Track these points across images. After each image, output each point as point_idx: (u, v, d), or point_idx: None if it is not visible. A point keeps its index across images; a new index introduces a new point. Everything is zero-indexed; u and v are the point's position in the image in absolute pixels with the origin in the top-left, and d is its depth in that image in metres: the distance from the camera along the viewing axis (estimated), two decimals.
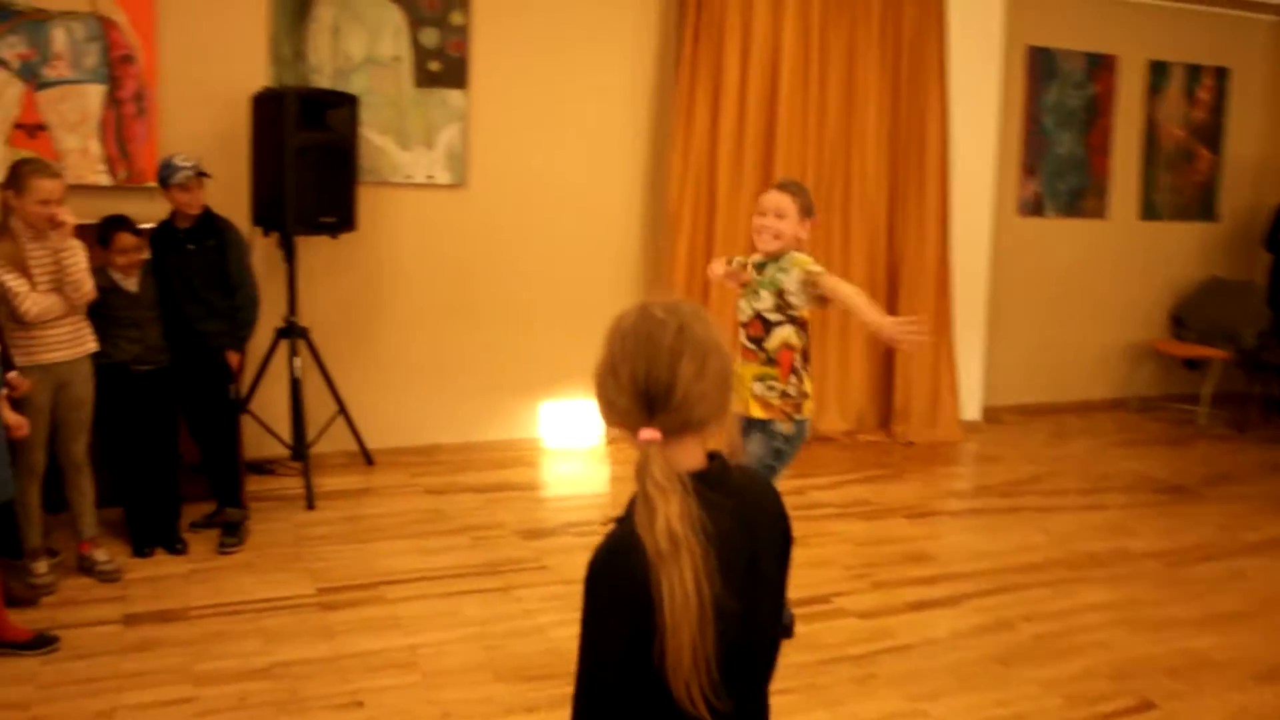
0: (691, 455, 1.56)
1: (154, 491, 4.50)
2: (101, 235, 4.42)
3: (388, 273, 5.81)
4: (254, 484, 5.32)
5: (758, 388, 3.43)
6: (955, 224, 6.78)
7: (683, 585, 1.43)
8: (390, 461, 5.76)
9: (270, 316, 5.38)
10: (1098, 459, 6.39)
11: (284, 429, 5.45)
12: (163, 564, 4.29)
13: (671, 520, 1.45)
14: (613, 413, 1.58)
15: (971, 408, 7.03)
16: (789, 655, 3.55)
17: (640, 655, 1.45)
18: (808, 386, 3.53)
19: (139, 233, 4.50)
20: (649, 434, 1.51)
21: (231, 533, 4.51)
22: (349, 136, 5.24)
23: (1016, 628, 3.90)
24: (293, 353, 5.25)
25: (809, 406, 3.54)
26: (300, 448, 5.27)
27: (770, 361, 3.42)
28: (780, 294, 3.46)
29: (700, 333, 1.56)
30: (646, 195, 6.31)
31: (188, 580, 4.16)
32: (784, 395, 3.44)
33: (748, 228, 6.35)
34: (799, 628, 3.83)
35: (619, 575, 1.48)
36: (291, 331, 5.28)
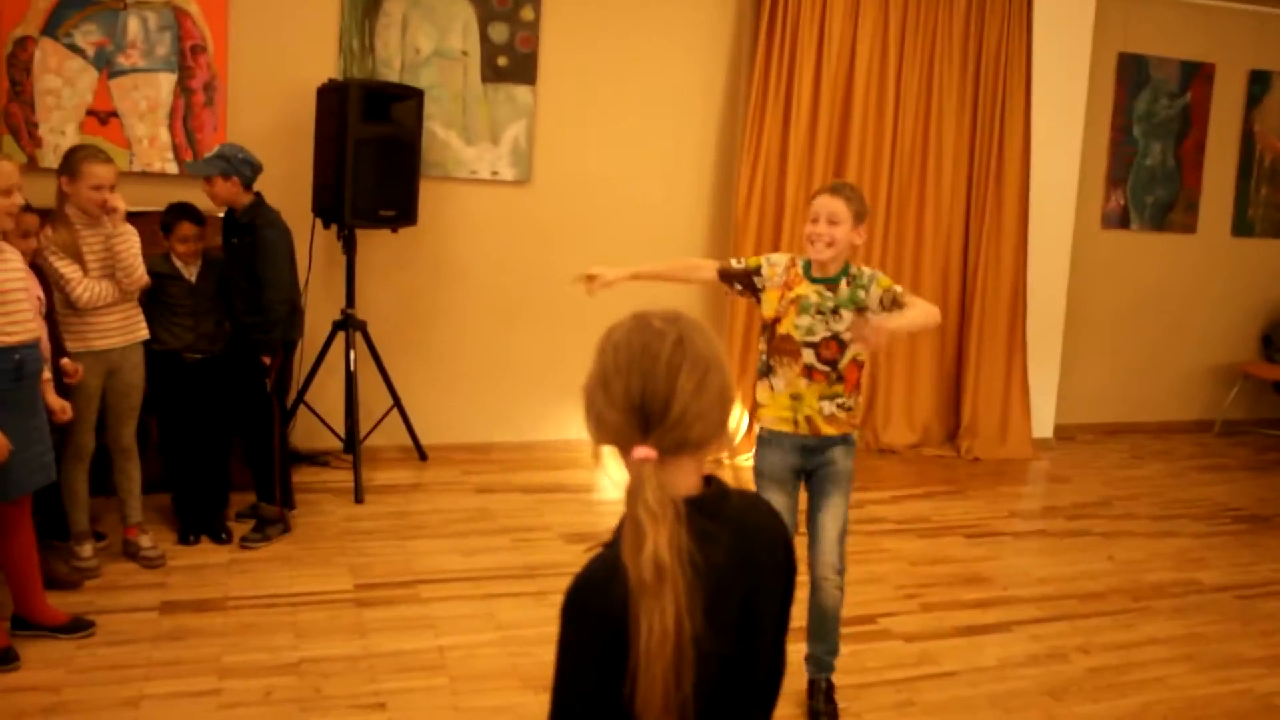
0: (687, 478, 1.46)
1: (202, 479, 4.52)
2: (164, 223, 4.45)
3: (448, 268, 5.79)
4: (306, 475, 5.34)
5: (826, 406, 3.17)
6: (1034, 236, 6.55)
7: (662, 621, 1.33)
8: (444, 458, 5.73)
9: (329, 308, 5.41)
10: (1174, 484, 6.12)
11: (339, 421, 5.47)
12: (206, 553, 4.31)
13: (659, 549, 1.34)
14: (603, 430, 1.47)
15: (1044, 425, 6.79)
16: None
17: (615, 691, 1.35)
18: (759, 395, 3.27)
19: (200, 221, 4.51)
20: (643, 452, 1.41)
21: (258, 529, 4.48)
22: (413, 130, 5.23)
23: (1070, 659, 3.72)
24: (349, 345, 5.25)
25: (760, 415, 3.31)
26: (353, 441, 5.27)
27: (839, 380, 3.18)
28: (859, 312, 3.17)
29: (700, 346, 1.45)
30: (713, 201, 6.20)
31: (228, 570, 4.16)
32: (849, 410, 3.23)
33: None
34: (841, 647, 3.69)
35: (597, 605, 1.39)
36: (348, 324, 5.28)
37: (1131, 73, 6.99)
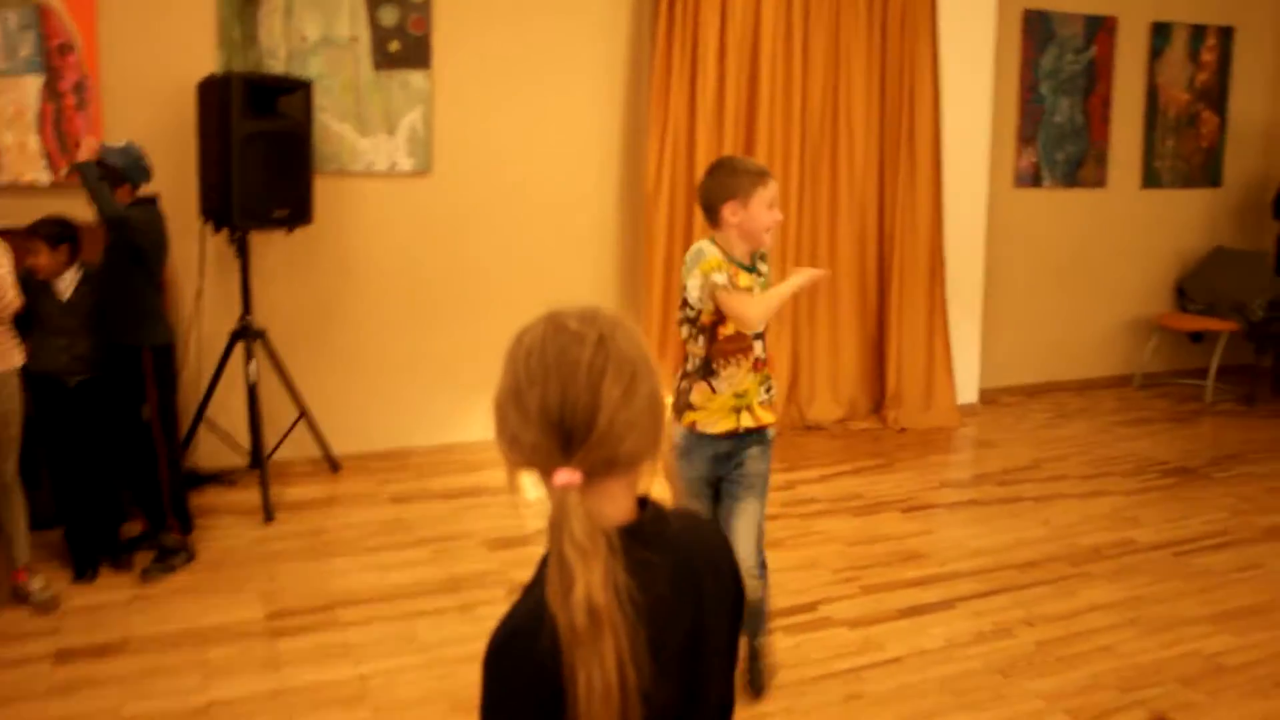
0: (619, 502, 1.28)
1: (93, 509, 4.23)
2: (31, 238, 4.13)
3: (350, 268, 5.53)
4: (212, 497, 5.06)
5: (762, 393, 3.03)
6: (949, 198, 6.48)
7: (602, 674, 1.15)
8: (358, 467, 5.48)
9: (225, 318, 5.13)
10: (1100, 441, 6.11)
11: (244, 437, 5.19)
12: (105, 590, 4.02)
13: (592, 591, 1.16)
14: (518, 451, 1.28)
15: (968, 390, 6.74)
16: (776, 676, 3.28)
17: None
18: (695, 398, 3.01)
19: (55, 240, 4.14)
20: (567, 476, 1.22)
21: (159, 560, 4.19)
22: (303, 124, 4.95)
23: (1016, 633, 3.63)
24: (248, 356, 4.97)
25: (691, 420, 3.04)
26: (258, 457, 5.00)
27: (766, 363, 3.04)
28: (682, 290, 3.02)
29: (625, 346, 1.27)
30: (622, 178, 6.01)
31: (128, 608, 3.88)
32: (673, 391, 3.04)
33: None
34: (782, 640, 3.56)
35: (522, 660, 1.21)
36: (247, 333, 5.00)
37: (1037, 29, 6.95)
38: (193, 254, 5.08)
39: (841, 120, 6.18)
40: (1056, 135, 7.12)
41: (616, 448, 1.23)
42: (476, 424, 5.76)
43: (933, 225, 6.39)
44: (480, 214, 5.71)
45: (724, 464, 3.03)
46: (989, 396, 6.96)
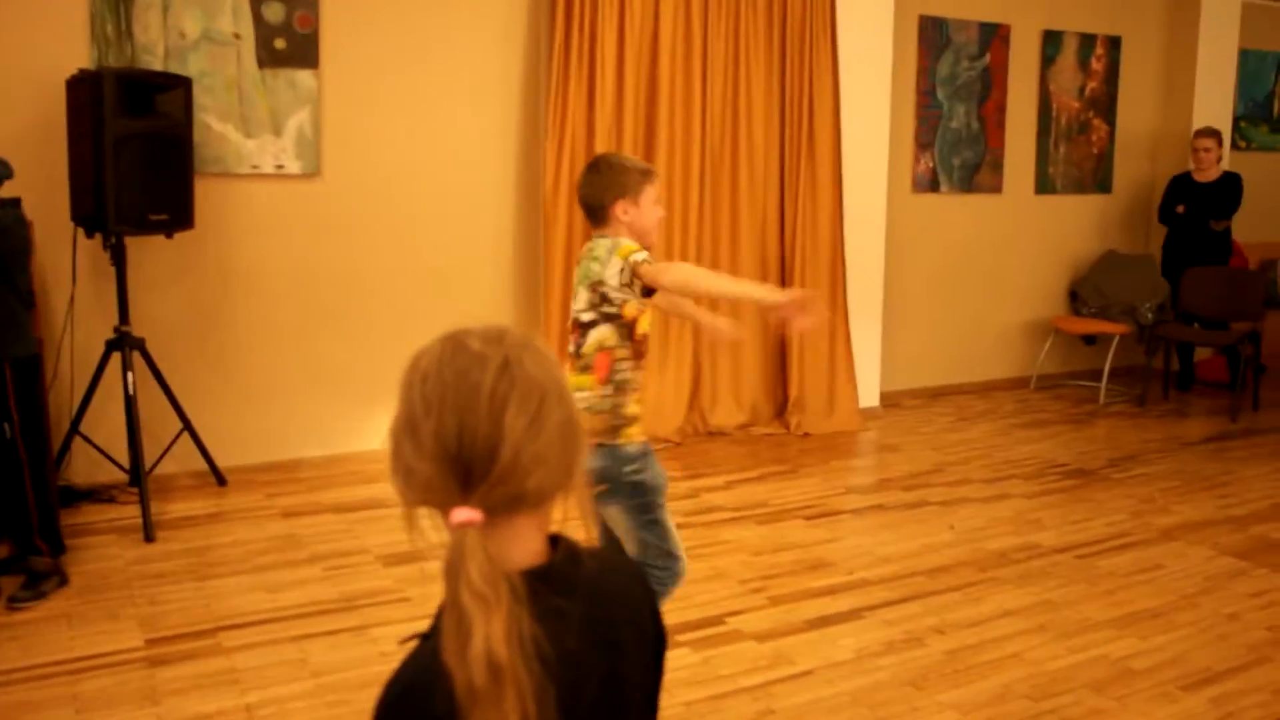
0: (526, 543, 1.16)
1: None
2: None
3: (235, 274, 5.28)
4: (89, 514, 4.79)
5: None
6: (849, 203, 6.48)
7: None
8: (246, 480, 5.24)
9: (100, 327, 4.85)
10: (1001, 443, 6.16)
11: (122, 451, 4.91)
12: None
13: (493, 644, 1.03)
14: (412, 486, 1.14)
15: (870, 394, 6.75)
16: (677, 693, 3.18)
17: None
18: (631, 408, 2.81)
19: None
20: (465, 515, 1.09)
21: (29, 585, 3.91)
22: (182, 123, 4.70)
23: (927, 642, 3.58)
24: (125, 367, 4.70)
25: (634, 433, 2.81)
26: (138, 473, 4.73)
27: (585, 369, 2.77)
28: (594, 287, 2.77)
29: (533, 370, 1.14)
30: (521, 181, 5.87)
31: None
32: (601, 413, 2.79)
33: None
34: (690, 656, 3.46)
35: (416, 718, 1.08)
36: (124, 342, 4.73)
37: (933, 35, 7.00)
38: (64, 260, 4.79)
39: (742, 124, 6.13)
40: (953, 141, 7.19)
41: (522, 483, 1.11)
42: (370, 434, 5.55)
43: (833, 229, 6.38)
44: (373, 218, 5.51)
45: None
46: (891, 400, 6.98)
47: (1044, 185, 7.62)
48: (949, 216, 7.27)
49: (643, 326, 2.83)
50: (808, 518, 4.84)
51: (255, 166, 5.21)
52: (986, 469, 5.64)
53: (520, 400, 1.11)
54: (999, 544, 4.52)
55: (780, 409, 6.49)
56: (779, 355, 6.47)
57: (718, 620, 3.74)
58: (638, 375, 2.84)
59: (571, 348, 2.84)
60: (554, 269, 5.72)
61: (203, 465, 5.14)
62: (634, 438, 2.83)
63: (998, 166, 7.39)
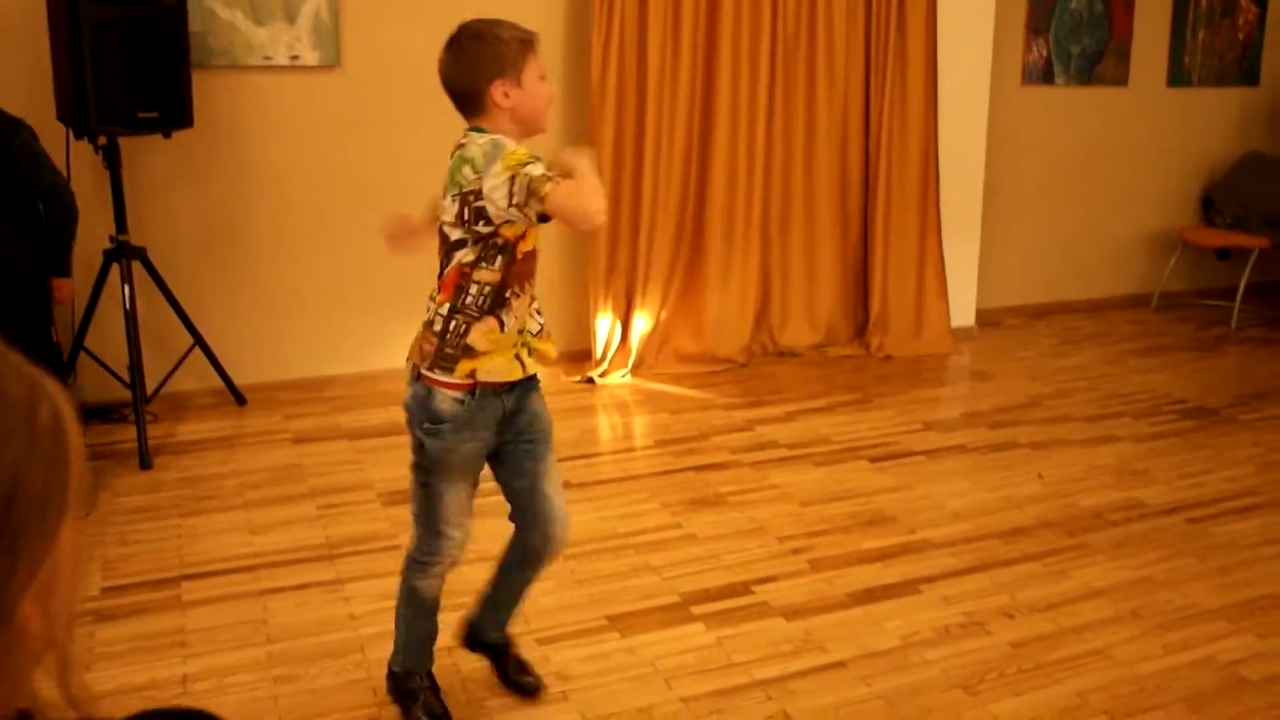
0: None
1: None
2: None
3: (248, 177, 4.81)
4: (96, 435, 4.46)
5: (537, 325, 2.35)
6: (945, 96, 5.68)
7: None
8: (267, 399, 4.86)
9: (97, 236, 4.45)
10: (1110, 373, 5.41)
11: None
12: None
13: None
14: None
15: (964, 312, 6.03)
16: (677, 684, 2.66)
17: None
18: (478, 339, 2.25)
19: None
20: None
21: None
22: (173, 10, 4.19)
23: (991, 629, 2.98)
24: (124, 279, 4.31)
25: (471, 369, 2.26)
26: (138, 392, 4.36)
27: (440, 288, 2.30)
28: (465, 198, 2.19)
29: None
30: (564, 77, 5.24)
31: None
32: (435, 335, 2.27)
33: (688, 111, 5.30)
34: (703, 635, 2.93)
35: None
36: (122, 252, 4.34)
37: None
38: (58, 163, 4.39)
39: (820, 9, 5.37)
40: (1072, 26, 6.28)
41: None
42: (402, 350, 5.09)
43: (925, 126, 5.61)
44: (399, 114, 4.96)
45: (508, 425, 2.37)
46: (988, 318, 6.25)
47: (1178, 77, 6.66)
48: (1063, 112, 6.39)
49: (528, 244, 2.26)
50: (873, 459, 4.23)
51: (267, 58, 4.70)
52: (1090, 404, 4.92)
53: None
54: (1094, 500, 3.85)
55: (860, 328, 5.83)
56: (859, 266, 5.79)
57: (743, 589, 3.19)
58: (518, 303, 2.27)
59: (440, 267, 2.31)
60: (603, 166, 5.12)
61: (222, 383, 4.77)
62: (462, 379, 2.26)
63: (1124, 55, 6.46)
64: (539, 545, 2.50)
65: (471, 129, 2.25)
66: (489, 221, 2.17)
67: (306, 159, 4.87)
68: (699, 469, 4.13)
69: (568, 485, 4.00)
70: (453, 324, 2.25)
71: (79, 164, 4.41)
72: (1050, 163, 6.43)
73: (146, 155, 4.58)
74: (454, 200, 2.19)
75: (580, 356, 5.41)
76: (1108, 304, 6.72)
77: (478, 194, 2.14)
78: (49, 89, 4.23)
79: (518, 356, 2.31)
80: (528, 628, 2.97)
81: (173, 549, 3.48)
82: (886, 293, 5.72)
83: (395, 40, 4.89)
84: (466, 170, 2.15)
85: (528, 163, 2.10)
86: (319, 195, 4.91)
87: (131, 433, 4.35)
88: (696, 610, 3.06)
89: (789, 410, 4.80)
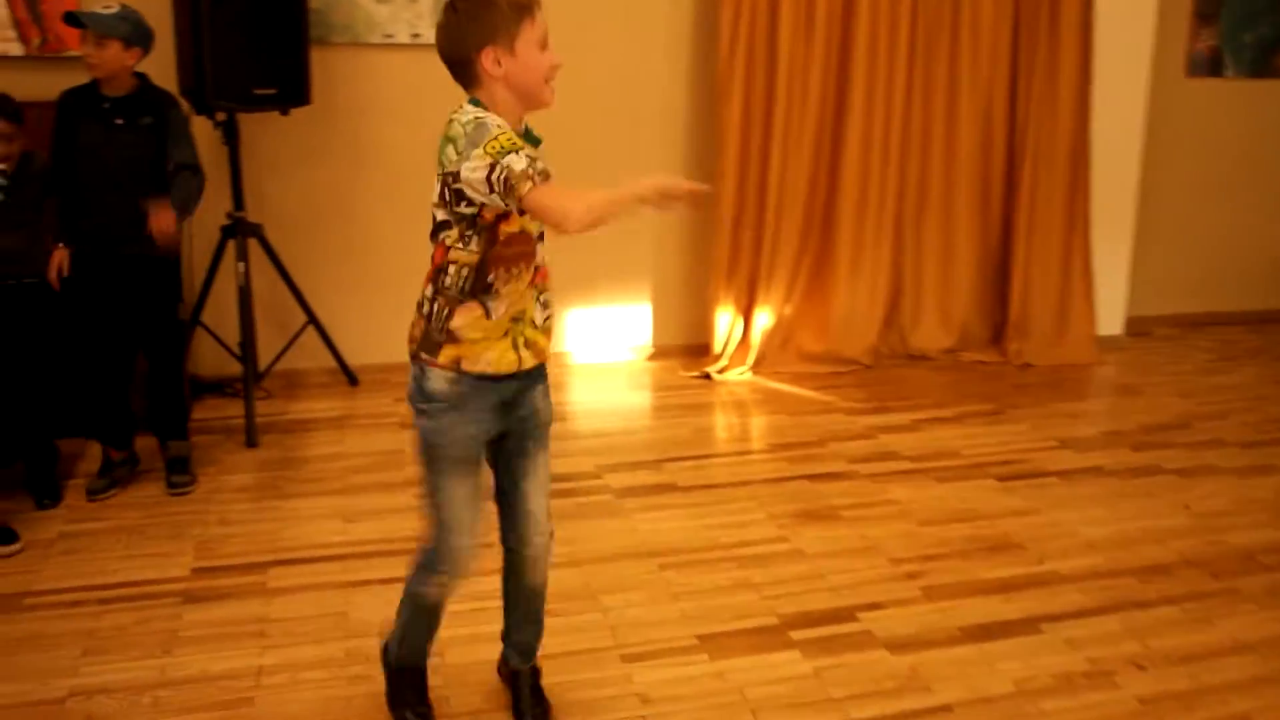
0: None
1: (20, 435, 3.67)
2: None
3: (367, 156, 4.78)
4: (210, 409, 4.53)
5: (540, 313, 2.19)
6: (1100, 85, 5.29)
7: None
8: (380, 380, 4.84)
9: (214, 212, 4.46)
10: (1271, 394, 4.96)
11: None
12: (30, 526, 3.45)
13: None
14: None
15: (1112, 319, 5.64)
16: (763, 717, 2.47)
17: None
18: (463, 326, 2.11)
19: (18, 118, 3.60)
20: None
21: (182, 469, 3.77)
22: None
23: (1118, 680, 2.69)
24: (238, 256, 4.31)
25: (455, 357, 2.13)
26: (249, 370, 4.36)
27: (545, 273, 2.19)
28: (445, 180, 2.05)
29: None
30: (693, 52, 5.05)
31: (47, 552, 3.30)
32: (423, 318, 2.16)
33: (820, 91, 5.04)
34: (799, 664, 2.72)
35: None
36: (238, 229, 4.34)
37: None
38: None
39: None
40: (1246, 12, 5.79)
41: None
42: None
43: (1078, 116, 5.24)
44: None
45: (507, 415, 2.23)
46: (1138, 327, 5.83)
47: None
48: (1232, 107, 5.91)
49: (512, 225, 2.09)
50: (1002, 478, 3.94)
51: (389, 35, 4.64)
52: (1248, 428, 4.51)
53: None
54: (1246, 538, 3.49)
55: (997, 332, 5.50)
56: (999, 267, 5.46)
57: (847, 614, 2.97)
58: (509, 288, 2.11)
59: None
60: (727, 150, 4.92)
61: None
62: (448, 365, 2.12)
63: None
64: (515, 547, 2.36)
65: (469, 101, 2.08)
66: (470, 203, 2.02)
67: (425, 139, 4.75)
68: (813, 478, 3.91)
69: (673, 488, 3.87)
70: (435, 306, 2.14)
71: (201, 139, 4.41)
72: (1215, 161, 5.95)
73: (265, 132, 4.57)
74: (437, 180, 2.05)
75: (698, 351, 5.23)
76: (1272, 317, 6.20)
77: (456, 176, 1.98)
78: (173, 64, 4.24)
79: (515, 346, 2.16)
80: (614, 641, 2.82)
81: (267, 532, 3.44)
82: (1028, 295, 5.38)
83: None
84: (450, 150, 2.00)
85: (509, 151, 1.93)
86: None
87: (243, 409, 4.35)
88: (795, 635, 2.85)
89: (914, 419, 4.53)
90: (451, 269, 2.09)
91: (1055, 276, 5.40)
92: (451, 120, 2.03)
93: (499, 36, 2.02)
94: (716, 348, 5.13)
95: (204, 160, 4.34)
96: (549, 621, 2.56)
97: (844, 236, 5.12)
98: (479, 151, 1.93)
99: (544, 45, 2.07)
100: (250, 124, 4.42)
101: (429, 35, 4.65)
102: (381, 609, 2.97)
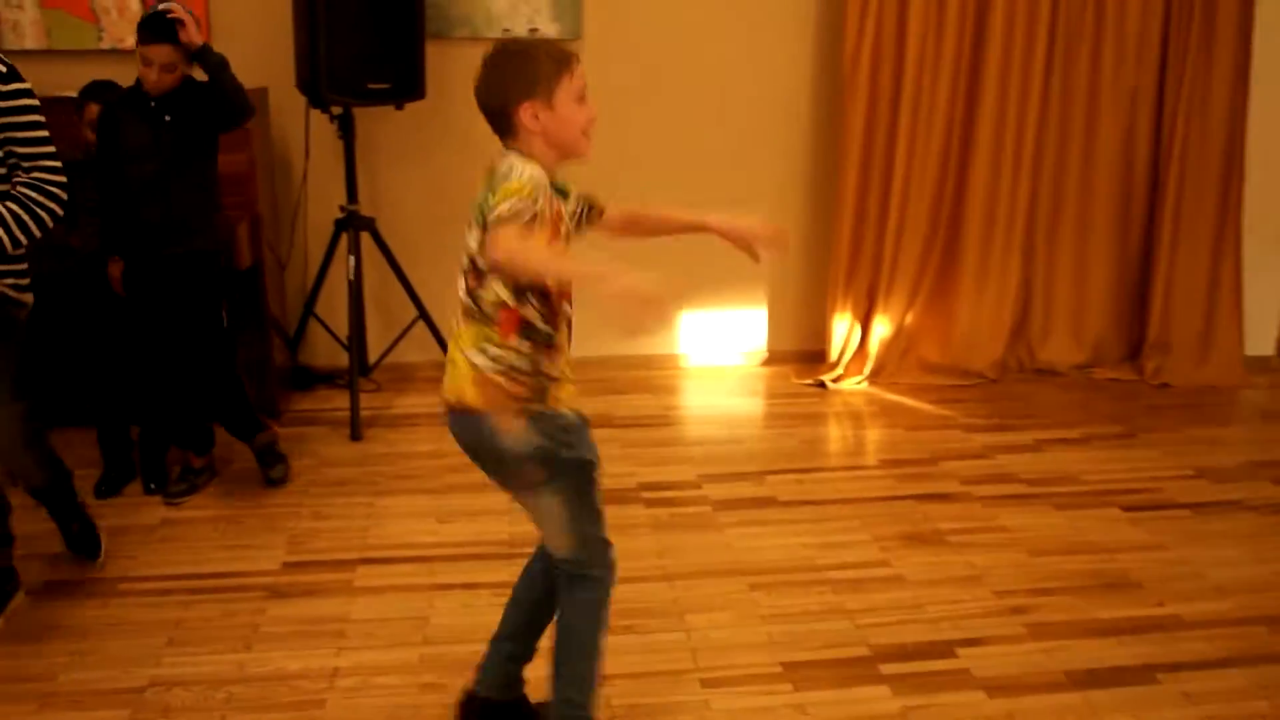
0: None
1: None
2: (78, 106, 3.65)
3: (480, 150, 4.68)
4: (318, 400, 4.58)
5: (478, 358, 2.03)
6: (1258, 89, 4.90)
7: None
8: None
9: (329, 205, 4.51)
10: None
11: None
12: (135, 510, 3.53)
13: None
14: None
15: (1262, 339, 5.24)
16: None
17: None
18: (554, 366, 2.08)
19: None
20: None
21: (270, 461, 3.77)
22: None
23: None
24: (350, 249, 4.34)
25: (563, 395, 2.11)
26: (358, 363, 4.39)
27: (487, 319, 2.06)
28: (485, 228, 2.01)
29: None
30: (817, 54, 4.87)
31: (146, 538, 3.37)
32: (512, 370, 2.02)
33: (950, 91, 4.80)
34: (887, 701, 2.57)
35: None
36: (351, 222, 4.37)
37: None
38: (297, 132, 4.47)
39: None
40: None
41: None
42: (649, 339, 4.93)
43: (1232, 124, 4.87)
44: (642, 92, 4.76)
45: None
46: None
47: None
48: None
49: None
50: (1127, 507, 3.68)
51: (506, 29, 4.60)
52: None
53: None
54: None
55: (1134, 349, 5.17)
56: (1138, 281, 5.13)
57: (945, 649, 2.79)
58: (558, 335, 2.08)
59: (463, 293, 2.08)
60: (849, 159, 4.74)
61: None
62: (566, 403, 2.11)
63: None
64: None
65: (508, 151, 2.04)
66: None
67: None
68: (921, 498, 3.72)
69: (773, 502, 3.73)
70: (519, 357, 2.07)
71: (318, 133, 4.46)
72: None
73: (381, 126, 4.60)
74: (478, 227, 2.00)
75: (813, 358, 5.07)
76: None
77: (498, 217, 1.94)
78: (290, 57, 4.29)
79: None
80: (694, 664, 2.71)
81: (358, 529, 3.44)
82: (1169, 310, 5.04)
83: (638, 13, 4.69)
84: (489, 197, 1.96)
85: (514, 195, 1.91)
86: None
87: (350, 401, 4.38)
88: (886, 669, 2.69)
89: (1037, 438, 4.29)
90: (524, 321, 2.05)
91: (1201, 290, 5.05)
92: (490, 170, 2.03)
93: (538, 91, 2.00)
94: (833, 355, 4.96)
95: (320, 153, 4.38)
96: (629, 639, 2.47)
97: (971, 243, 4.88)
98: (498, 198, 1.93)
99: (582, 99, 2.05)
100: (365, 118, 4.45)
101: (547, 29, 4.60)
102: (461, 615, 2.94)
